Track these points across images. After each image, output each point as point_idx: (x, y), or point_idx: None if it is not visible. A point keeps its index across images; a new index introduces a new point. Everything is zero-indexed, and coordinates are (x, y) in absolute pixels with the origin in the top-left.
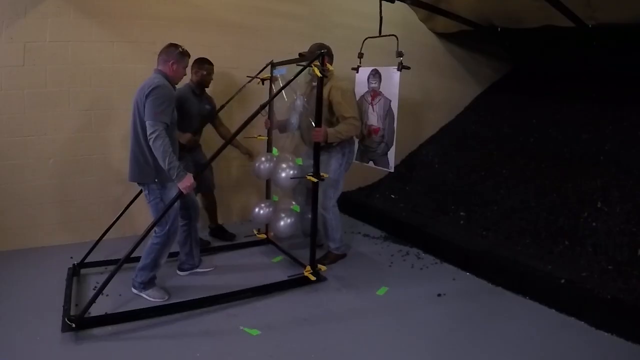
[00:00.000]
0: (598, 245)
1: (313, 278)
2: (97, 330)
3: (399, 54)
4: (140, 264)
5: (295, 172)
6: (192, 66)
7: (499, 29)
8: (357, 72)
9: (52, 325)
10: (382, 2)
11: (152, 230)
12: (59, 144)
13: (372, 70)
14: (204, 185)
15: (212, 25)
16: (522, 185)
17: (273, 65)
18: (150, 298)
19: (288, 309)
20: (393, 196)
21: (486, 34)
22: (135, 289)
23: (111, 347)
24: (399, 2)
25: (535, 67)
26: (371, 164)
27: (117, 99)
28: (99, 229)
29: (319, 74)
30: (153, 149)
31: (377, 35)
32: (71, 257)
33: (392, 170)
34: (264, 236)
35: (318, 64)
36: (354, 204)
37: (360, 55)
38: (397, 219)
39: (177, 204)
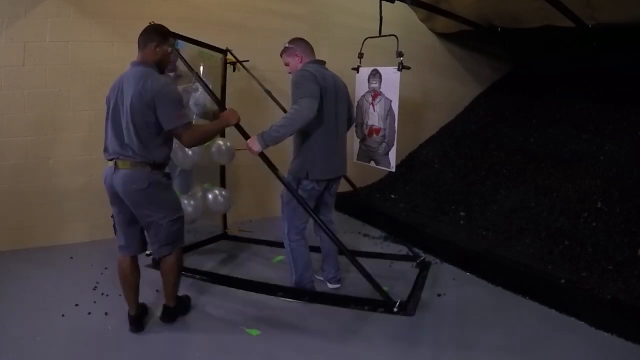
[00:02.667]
0: (598, 245)
1: None
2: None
3: (399, 54)
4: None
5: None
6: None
7: (499, 29)
8: (357, 72)
9: (52, 325)
10: (382, 2)
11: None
12: (59, 144)
13: (372, 71)
14: None
15: (212, 25)
16: (522, 185)
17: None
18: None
19: (286, 308)
20: (393, 196)
21: (486, 34)
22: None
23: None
24: (399, 2)
25: (535, 67)
26: (372, 163)
27: None
28: (99, 229)
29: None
30: None
31: (377, 35)
32: (71, 257)
33: (394, 169)
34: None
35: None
36: (354, 204)
37: (360, 55)
38: (397, 219)
39: None
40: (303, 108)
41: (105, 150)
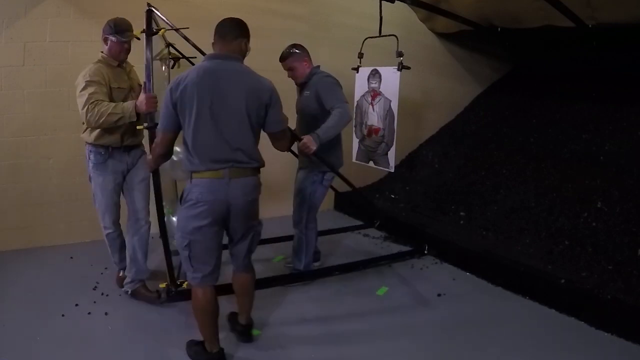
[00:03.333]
0: (598, 245)
1: None
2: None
3: (399, 54)
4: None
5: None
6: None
7: (499, 29)
8: (357, 72)
9: (52, 325)
10: (382, 2)
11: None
12: (59, 144)
13: (372, 70)
14: None
15: (212, 25)
16: (522, 185)
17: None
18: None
19: (290, 307)
20: (393, 196)
21: (486, 34)
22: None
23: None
24: (399, 2)
25: (535, 67)
26: (371, 163)
27: None
28: (100, 229)
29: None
30: None
31: (377, 35)
32: (71, 257)
33: (393, 170)
34: None
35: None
36: (354, 204)
37: (360, 55)
38: (397, 219)
39: None
40: (348, 112)
41: (205, 159)
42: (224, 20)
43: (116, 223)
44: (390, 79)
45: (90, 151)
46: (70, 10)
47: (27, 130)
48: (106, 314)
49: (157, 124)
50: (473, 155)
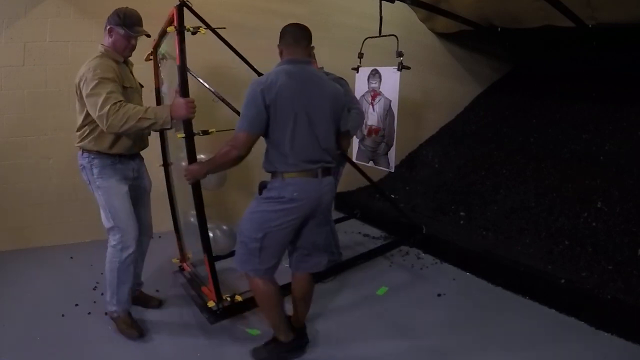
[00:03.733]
0: (598, 245)
1: None
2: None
3: (399, 54)
4: None
5: None
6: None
7: (499, 29)
8: (357, 72)
9: (52, 325)
10: (382, 2)
11: None
12: (59, 144)
13: (372, 70)
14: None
15: (213, 25)
16: (522, 185)
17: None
18: None
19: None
20: (393, 196)
21: (486, 34)
22: None
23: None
24: (399, 2)
25: (535, 67)
26: (371, 163)
27: None
28: (99, 229)
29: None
30: None
31: (377, 35)
32: (71, 257)
33: (393, 170)
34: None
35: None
36: (354, 204)
37: (360, 55)
38: (397, 219)
39: None
40: (363, 111)
41: (300, 160)
42: (295, 26)
43: (138, 238)
44: (390, 79)
45: (93, 158)
46: (70, 10)
47: (27, 130)
48: (106, 314)
49: (194, 132)
50: (473, 155)
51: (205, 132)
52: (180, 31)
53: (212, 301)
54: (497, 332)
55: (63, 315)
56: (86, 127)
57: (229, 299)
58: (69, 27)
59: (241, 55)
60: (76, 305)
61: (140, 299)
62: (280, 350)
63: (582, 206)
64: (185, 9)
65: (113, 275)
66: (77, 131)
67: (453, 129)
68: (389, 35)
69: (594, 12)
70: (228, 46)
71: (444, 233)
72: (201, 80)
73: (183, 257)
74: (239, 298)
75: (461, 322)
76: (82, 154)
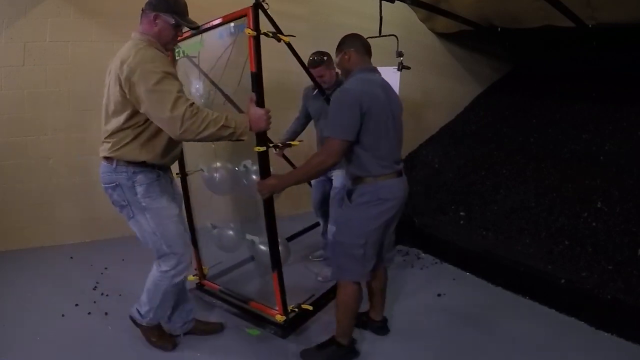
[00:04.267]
0: (598, 245)
1: None
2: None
3: (399, 54)
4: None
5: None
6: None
7: (499, 29)
8: None
9: (52, 325)
10: (382, 2)
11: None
12: (59, 144)
13: None
14: None
15: None
16: (522, 185)
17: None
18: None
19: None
20: None
21: (486, 34)
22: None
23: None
24: (399, 2)
25: (535, 67)
26: None
27: None
28: (99, 229)
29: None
30: None
31: (377, 35)
32: (71, 257)
33: None
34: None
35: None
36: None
37: None
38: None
39: None
40: None
41: (391, 163)
42: (360, 36)
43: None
44: (391, 79)
45: (135, 173)
46: (70, 10)
47: (27, 130)
48: (106, 314)
49: (272, 145)
50: (473, 155)
51: (277, 146)
52: (257, 35)
53: (279, 315)
54: (497, 332)
55: (63, 315)
56: (128, 130)
57: (296, 310)
58: (69, 27)
59: (303, 63)
60: (76, 305)
61: (199, 328)
62: (340, 353)
63: (582, 206)
64: (260, 11)
65: (157, 295)
66: (107, 137)
67: (453, 129)
68: (389, 35)
69: (594, 12)
70: (294, 55)
71: (444, 233)
72: (212, 80)
73: (202, 274)
74: (306, 307)
75: (461, 322)
76: (116, 167)
